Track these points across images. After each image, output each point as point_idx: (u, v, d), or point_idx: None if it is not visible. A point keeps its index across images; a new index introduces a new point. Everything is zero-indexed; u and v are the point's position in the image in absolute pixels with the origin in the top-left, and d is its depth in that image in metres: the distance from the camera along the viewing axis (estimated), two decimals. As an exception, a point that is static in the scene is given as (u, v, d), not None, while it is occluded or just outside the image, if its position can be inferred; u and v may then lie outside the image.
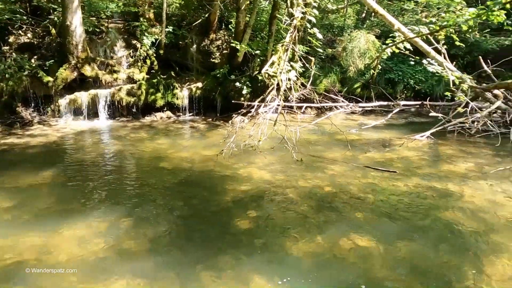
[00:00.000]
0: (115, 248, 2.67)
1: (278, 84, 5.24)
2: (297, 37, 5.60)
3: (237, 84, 7.36)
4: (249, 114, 5.40)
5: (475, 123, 6.11)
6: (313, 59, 5.57)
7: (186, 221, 3.17)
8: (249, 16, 7.38)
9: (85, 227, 2.95)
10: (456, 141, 5.75)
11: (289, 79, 5.41)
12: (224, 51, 8.16)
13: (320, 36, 5.90)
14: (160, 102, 7.38)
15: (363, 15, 11.30)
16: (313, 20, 5.67)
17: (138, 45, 7.63)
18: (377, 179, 4.01)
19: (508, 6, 4.80)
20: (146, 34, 7.62)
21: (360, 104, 8.14)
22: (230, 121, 6.54)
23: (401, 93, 9.27)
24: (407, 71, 9.16)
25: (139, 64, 7.59)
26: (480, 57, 7.77)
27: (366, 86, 9.05)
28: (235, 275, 2.39)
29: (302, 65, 6.23)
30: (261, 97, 5.66)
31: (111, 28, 7.82)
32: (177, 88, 7.56)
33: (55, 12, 7.21)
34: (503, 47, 10.14)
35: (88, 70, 6.90)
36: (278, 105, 5.17)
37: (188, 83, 7.90)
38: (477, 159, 4.78)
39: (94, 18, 7.70)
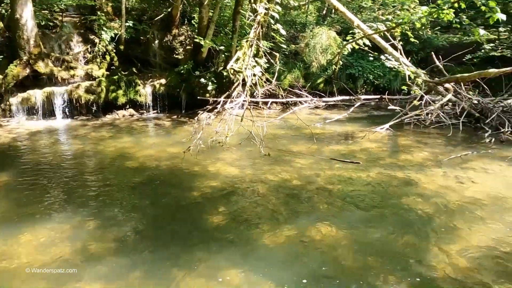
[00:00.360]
0: (82, 252, 2.57)
1: (243, 80, 5.27)
2: (261, 33, 5.66)
3: (202, 80, 7.29)
4: (216, 110, 5.38)
5: (429, 115, 6.50)
6: (277, 54, 5.64)
7: (154, 220, 3.11)
8: (212, 11, 7.31)
9: (48, 231, 2.81)
10: (412, 132, 6.09)
11: (255, 75, 5.46)
12: (188, 47, 8.04)
13: (283, 32, 6.02)
14: (122, 100, 7.14)
15: (324, 12, 11.60)
16: (276, 16, 5.75)
17: (97, 40, 7.31)
18: (342, 170, 4.16)
19: (456, 5, 5.15)
20: (104, 28, 7.31)
21: (324, 99, 8.36)
22: (196, 118, 6.44)
23: (362, 88, 9.64)
24: (366, 67, 9.53)
25: (98, 60, 7.28)
26: (432, 53, 8.26)
27: (328, 81, 9.31)
28: (207, 270, 2.40)
29: (266, 61, 6.32)
30: (227, 93, 5.66)
31: (66, 22, 7.42)
32: (139, 85, 7.34)
33: (3, 4, 6.72)
34: (452, 44, 10.84)
35: (41, 67, 6.51)
36: (244, 100, 5.20)
37: (151, 79, 7.70)
38: (432, 148, 5.10)
39: (47, 12, 7.27)
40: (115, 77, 7.07)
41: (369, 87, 9.72)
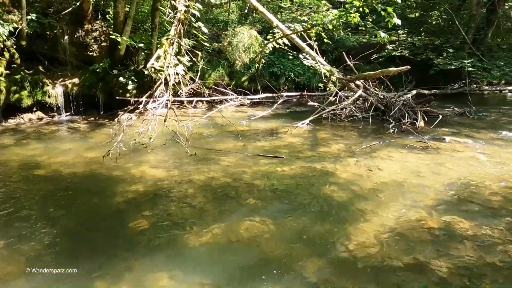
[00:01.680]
0: (-18, 275, 2.27)
1: (166, 79, 5.13)
2: (182, 31, 5.56)
3: (121, 79, 6.90)
4: (137, 111, 5.17)
5: (344, 109, 7.09)
6: (199, 53, 5.60)
7: (72, 232, 2.88)
8: (128, 6, 6.95)
9: None
10: (330, 126, 6.59)
11: (177, 73, 5.35)
12: (103, 44, 7.52)
13: (205, 30, 5.99)
14: (27, 102, 6.41)
15: (246, 10, 11.81)
16: (197, 14, 5.70)
17: (-9, 35, 6.41)
18: (267, 166, 4.33)
19: (361, 9, 5.70)
20: (0, 21, 6.45)
21: (248, 97, 8.56)
22: (116, 119, 6.07)
23: (284, 85, 10.09)
24: (287, 65, 9.99)
25: (-5, 57, 6.41)
26: (344, 52, 8.99)
27: (252, 79, 9.55)
28: (134, 278, 2.31)
29: (189, 59, 6.23)
30: (149, 92, 5.46)
31: (-50, 12, 6.37)
32: (48, 85, 6.67)
33: None
34: (362, 44, 11.95)
35: None
36: (168, 100, 5.08)
37: (61, 79, 7.04)
38: (346, 140, 5.58)
39: None
40: (17, 76, 6.31)
41: (290, 85, 10.21)
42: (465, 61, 10.15)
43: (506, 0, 12.22)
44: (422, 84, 9.80)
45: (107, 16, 7.84)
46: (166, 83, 5.24)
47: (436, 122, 6.57)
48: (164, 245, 2.70)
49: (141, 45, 6.99)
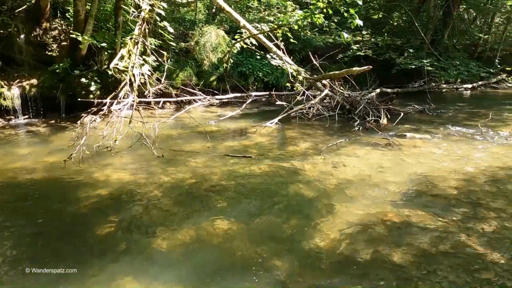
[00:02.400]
0: None
1: (131, 79, 5.01)
2: (147, 30, 5.44)
3: (83, 80, 6.66)
4: (101, 113, 5.01)
5: (311, 108, 7.24)
6: (165, 53, 5.51)
7: (33, 241, 2.75)
8: (89, 4, 6.70)
9: None
10: (298, 125, 6.70)
11: (143, 74, 5.24)
12: (64, 43, 7.21)
13: (171, 29, 5.91)
14: (-20, 105, 6.03)
15: (213, 10, 11.75)
16: (162, 13, 5.61)
17: None
18: (236, 166, 4.34)
19: (325, 10, 5.85)
20: None
21: (217, 97, 8.53)
22: (78, 122, 5.88)
23: (253, 85, 10.13)
24: (256, 65, 10.04)
25: None
26: (310, 52, 9.17)
27: (221, 79, 9.51)
28: (101, 284, 2.25)
29: (155, 59, 6.11)
30: (113, 93, 5.30)
31: None
32: (3, 87, 6.30)
33: None
34: (328, 44, 12.24)
35: None
36: (133, 101, 4.96)
37: (18, 80, 6.69)
38: (314, 138, 5.71)
39: None
40: (-32, 77, 5.91)
41: (259, 84, 10.28)
42: (424, 61, 10.68)
43: (460, 3, 12.97)
44: (386, 83, 10.19)
45: (67, 14, 7.52)
46: (131, 84, 5.12)
47: (398, 120, 6.86)
48: (131, 250, 2.64)
49: (104, 44, 6.76)
